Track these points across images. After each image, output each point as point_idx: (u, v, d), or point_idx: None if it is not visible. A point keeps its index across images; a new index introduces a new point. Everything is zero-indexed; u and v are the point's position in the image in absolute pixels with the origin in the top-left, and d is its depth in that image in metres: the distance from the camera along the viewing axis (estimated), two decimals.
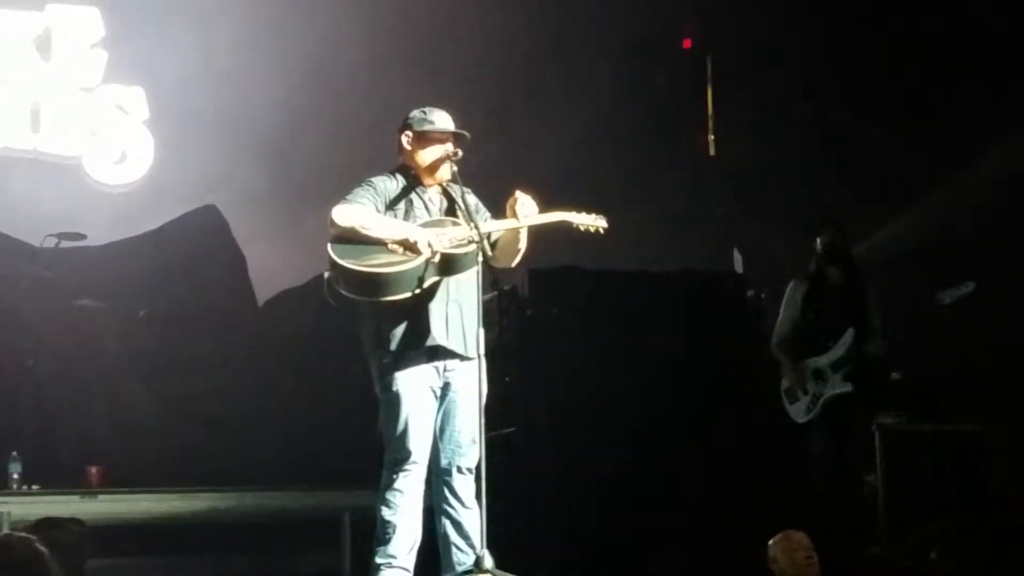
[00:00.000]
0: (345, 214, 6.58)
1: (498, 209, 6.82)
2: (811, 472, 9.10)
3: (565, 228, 6.85)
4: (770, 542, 7.47)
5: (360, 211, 6.61)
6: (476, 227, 6.53)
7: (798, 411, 9.05)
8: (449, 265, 6.58)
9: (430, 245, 6.51)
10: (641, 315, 9.66)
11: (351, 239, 6.54)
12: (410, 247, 6.52)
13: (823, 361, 8.94)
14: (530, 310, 9.70)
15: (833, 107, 11.93)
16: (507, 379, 9.12)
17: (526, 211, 6.66)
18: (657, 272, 10.28)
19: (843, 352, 8.89)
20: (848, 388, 8.86)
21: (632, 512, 9.11)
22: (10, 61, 11.63)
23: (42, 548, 4.55)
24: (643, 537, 9.02)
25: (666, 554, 8.88)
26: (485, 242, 6.53)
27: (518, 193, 6.69)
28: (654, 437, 9.32)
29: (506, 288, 9.76)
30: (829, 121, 11.94)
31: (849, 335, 8.89)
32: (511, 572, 6.41)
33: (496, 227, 6.71)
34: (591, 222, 6.86)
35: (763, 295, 10.43)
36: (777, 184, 11.92)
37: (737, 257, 11.05)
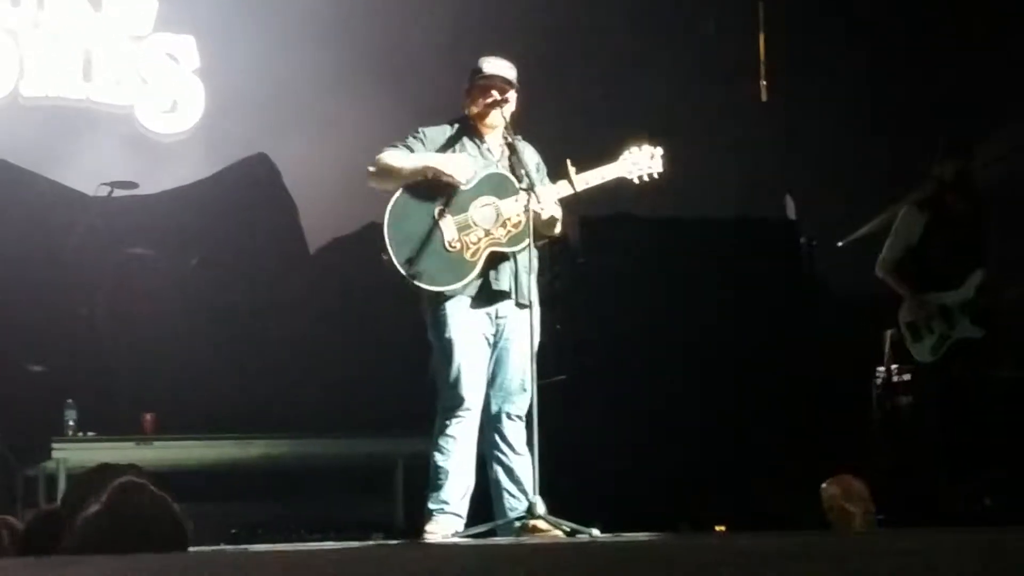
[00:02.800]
0: (380, 159, 6.63)
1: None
2: (916, 415, 8.65)
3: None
4: (825, 489, 7.42)
5: (396, 153, 6.64)
6: (532, 188, 6.52)
7: (923, 349, 8.36)
8: (501, 256, 6.63)
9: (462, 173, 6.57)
10: (693, 262, 9.62)
11: (400, 214, 6.56)
12: (445, 173, 6.55)
13: (951, 299, 8.30)
14: (581, 258, 9.68)
15: (888, 52, 11.81)
16: (558, 327, 9.12)
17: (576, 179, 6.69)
18: (709, 219, 10.23)
19: (972, 294, 8.27)
20: (978, 333, 8.25)
21: (684, 460, 9.11)
22: (62, 11, 11.65)
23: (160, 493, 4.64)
24: (695, 485, 9.01)
25: (718, 501, 8.87)
26: (535, 209, 6.54)
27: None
28: (706, 384, 9.30)
29: (557, 236, 9.75)
30: (883, 66, 11.82)
31: (978, 276, 8.29)
32: (563, 518, 6.42)
33: (550, 193, 6.69)
34: (645, 170, 6.85)
35: (815, 242, 10.36)
36: (830, 130, 11.82)
37: (790, 204, 10.97)
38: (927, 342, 8.35)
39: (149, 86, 11.80)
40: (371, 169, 6.69)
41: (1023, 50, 10.91)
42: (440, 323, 6.65)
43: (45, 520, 5.36)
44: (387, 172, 6.63)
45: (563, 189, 6.71)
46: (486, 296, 6.65)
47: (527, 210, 6.54)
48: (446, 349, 6.63)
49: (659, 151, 6.90)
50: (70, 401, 9.27)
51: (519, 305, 6.66)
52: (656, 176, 6.87)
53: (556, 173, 6.82)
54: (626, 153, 6.88)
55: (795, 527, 7.73)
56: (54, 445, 9.09)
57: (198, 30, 11.85)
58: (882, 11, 11.77)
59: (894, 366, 9.12)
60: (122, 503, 4.47)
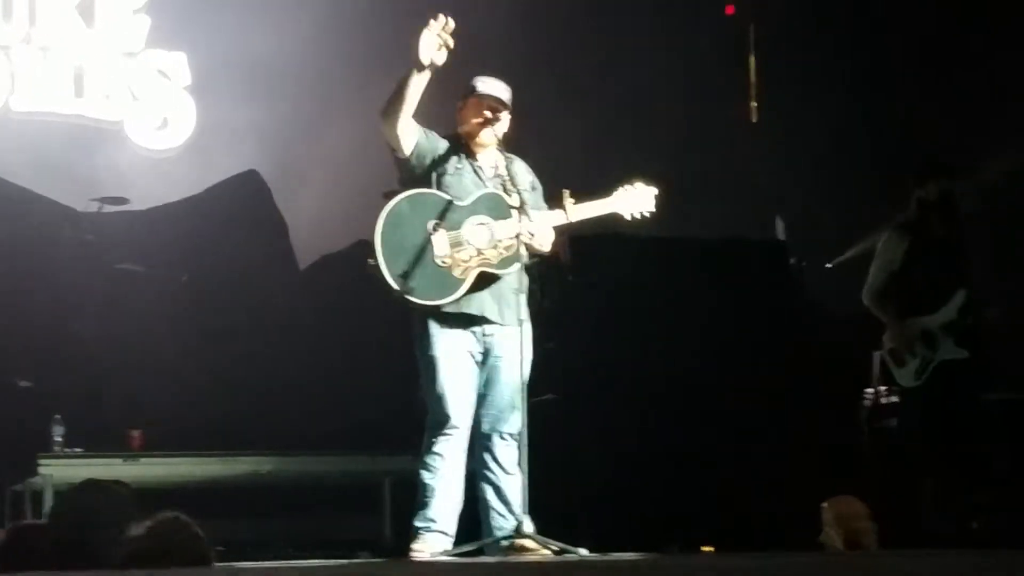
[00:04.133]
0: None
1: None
2: (902, 439, 8.55)
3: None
4: (825, 510, 7.40)
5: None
6: (522, 207, 6.53)
7: (907, 375, 8.29)
8: (491, 277, 6.63)
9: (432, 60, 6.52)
10: (683, 282, 9.63)
11: (395, 223, 6.54)
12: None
13: (933, 322, 8.23)
14: (571, 276, 9.68)
15: (877, 74, 11.84)
16: (548, 345, 9.11)
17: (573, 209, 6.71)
18: (699, 239, 10.25)
19: (954, 315, 8.21)
20: (963, 354, 8.17)
21: (673, 479, 9.11)
22: (53, 26, 11.65)
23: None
24: (685, 505, 9.01)
25: (708, 522, 8.87)
26: (526, 233, 6.56)
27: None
28: (696, 405, 9.30)
29: (547, 255, 9.75)
30: (873, 88, 11.86)
31: (961, 296, 8.21)
32: (551, 538, 6.41)
33: (544, 219, 6.69)
34: (638, 209, 6.89)
35: (805, 263, 10.38)
36: (820, 151, 11.84)
37: (780, 224, 10.99)
38: (910, 366, 8.30)
39: (140, 102, 11.80)
40: (384, 110, 6.65)
41: (1014, 74, 10.95)
42: (424, 340, 6.64)
43: (21, 535, 5.35)
44: (391, 101, 6.60)
45: (558, 218, 6.72)
46: (468, 317, 6.64)
47: (519, 234, 6.54)
48: (430, 366, 6.62)
49: (653, 191, 6.93)
50: (57, 417, 9.25)
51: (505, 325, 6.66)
52: (647, 215, 6.92)
53: (552, 200, 6.82)
54: (620, 190, 6.91)
55: (786, 548, 7.72)
56: (41, 461, 9.06)
57: (190, 47, 11.86)
58: (873, 33, 11.80)
59: (882, 388, 9.12)
60: (163, 535, 4.60)
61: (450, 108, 6.98)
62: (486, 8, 11.83)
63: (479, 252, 6.60)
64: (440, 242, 6.56)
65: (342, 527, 9.88)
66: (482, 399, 6.70)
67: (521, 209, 6.54)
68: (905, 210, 8.47)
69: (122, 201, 10.38)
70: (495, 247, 6.61)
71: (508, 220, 6.61)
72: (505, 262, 6.60)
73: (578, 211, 6.75)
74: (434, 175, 6.69)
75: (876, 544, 7.34)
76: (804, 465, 9.08)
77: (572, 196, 6.74)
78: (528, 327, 6.59)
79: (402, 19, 11.84)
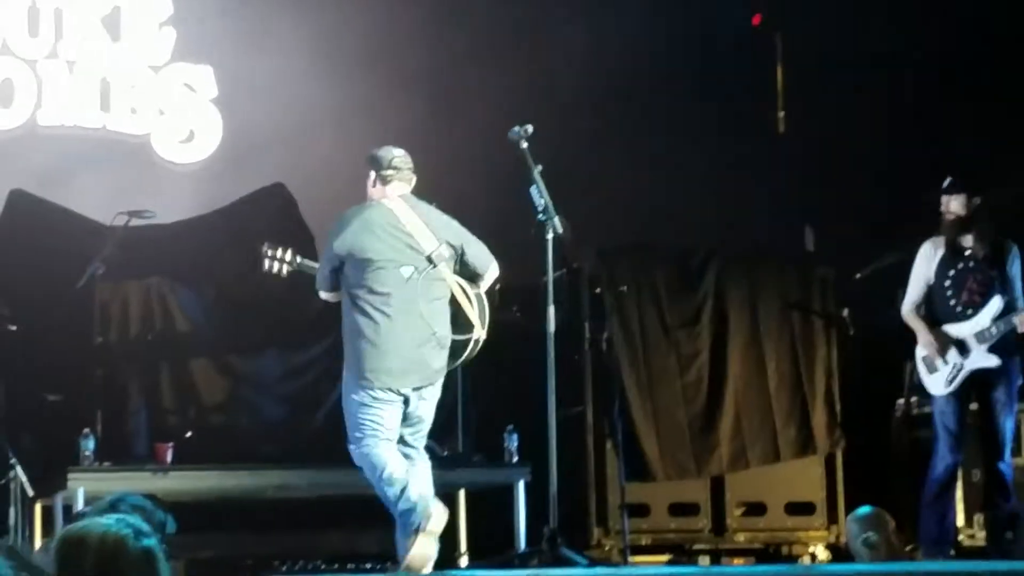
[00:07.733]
0: None
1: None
2: (935, 446, 8.41)
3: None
4: (849, 521, 7.37)
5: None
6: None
7: (937, 381, 8.29)
8: None
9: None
10: (711, 292, 9.62)
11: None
12: None
13: (965, 330, 8.25)
14: (598, 288, 9.68)
15: (904, 84, 11.81)
16: (575, 358, 9.11)
17: None
18: (727, 250, 10.23)
19: (988, 323, 8.22)
20: (994, 362, 8.19)
21: (700, 490, 9.09)
22: (80, 41, 11.69)
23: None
24: (712, 515, 8.99)
25: (735, 532, 8.86)
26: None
27: None
28: (724, 415, 9.29)
29: (575, 267, 9.76)
30: (900, 98, 11.82)
31: (995, 304, 8.24)
32: (574, 551, 6.40)
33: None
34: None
35: (834, 273, 10.34)
36: (848, 162, 11.80)
37: (808, 235, 10.96)
38: (941, 374, 8.29)
39: (166, 116, 11.83)
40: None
41: None
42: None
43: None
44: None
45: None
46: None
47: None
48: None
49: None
50: (87, 431, 9.25)
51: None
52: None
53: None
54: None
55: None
56: (71, 475, 9.07)
57: (216, 60, 11.88)
58: (900, 41, 11.76)
59: (913, 399, 9.08)
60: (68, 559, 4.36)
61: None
62: (508, 22, 11.85)
63: None
64: None
65: (364, 540, 9.86)
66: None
67: (548, 218, 6.59)
68: (936, 223, 8.46)
69: (149, 215, 10.36)
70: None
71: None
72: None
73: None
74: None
75: (904, 554, 7.33)
76: (836, 475, 9.06)
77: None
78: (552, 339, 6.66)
79: (422, 27, 11.97)
